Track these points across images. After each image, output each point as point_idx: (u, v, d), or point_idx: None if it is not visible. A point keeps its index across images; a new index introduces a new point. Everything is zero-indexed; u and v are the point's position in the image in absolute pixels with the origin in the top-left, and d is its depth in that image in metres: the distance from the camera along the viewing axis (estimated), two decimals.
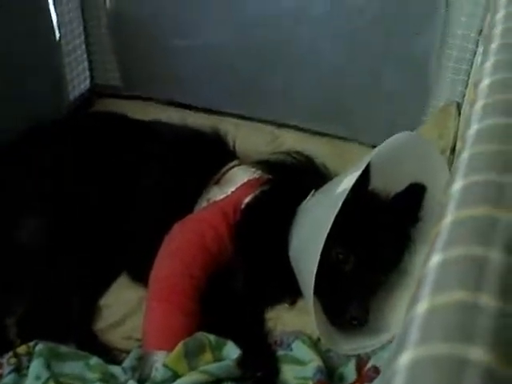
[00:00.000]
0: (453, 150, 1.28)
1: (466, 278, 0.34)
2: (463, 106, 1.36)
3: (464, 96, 1.40)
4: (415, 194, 1.14)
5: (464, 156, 0.44)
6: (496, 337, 0.32)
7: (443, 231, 0.38)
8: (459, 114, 1.38)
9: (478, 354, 0.31)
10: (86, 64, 1.66)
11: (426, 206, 1.13)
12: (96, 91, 1.71)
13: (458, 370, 0.30)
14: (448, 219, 0.39)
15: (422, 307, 0.34)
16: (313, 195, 1.16)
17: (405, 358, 0.32)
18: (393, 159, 1.09)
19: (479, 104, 0.51)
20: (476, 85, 0.56)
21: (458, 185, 0.41)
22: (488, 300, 0.33)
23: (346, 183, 1.03)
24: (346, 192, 0.99)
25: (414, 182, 1.14)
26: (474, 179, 0.41)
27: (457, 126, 1.33)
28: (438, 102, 1.46)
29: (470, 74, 1.38)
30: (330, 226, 0.96)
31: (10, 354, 1.02)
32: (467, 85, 1.39)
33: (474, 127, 0.47)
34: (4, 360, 1.01)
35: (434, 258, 0.36)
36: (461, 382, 0.30)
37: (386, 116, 1.52)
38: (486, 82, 0.56)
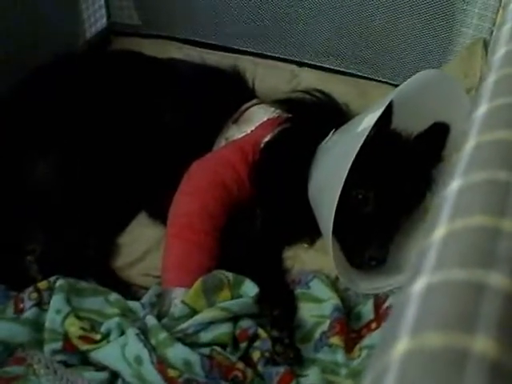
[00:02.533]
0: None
1: (488, 203, 0.33)
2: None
3: (492, 33, 1.35)
4: (438, 133, 1.11)
5: (490, 80, 0.42)
6: None
7: (465, 156, 0.36)
8: (487, 52, 1.33)
9: (497, 279, 0.29)
10: (102, 2, 1.63)
11: (449, 145, 1.11)
12: (113, 30, 1.68)
13: (475, 296, 0.29)
14: (470, 144, 0.37)
15: (439, 233, 0.32)
16: (333, 134, 1.13)
17: (419, 285, 0.31)
18: (416, 98, 1.06)
19: (507, 26, 0.48)
20: (505, 7, 0.53)
21: (482, 109, 0.39)
22: (510, 225, 0.31)
23: (367, 122, 1.01)
24: (367, 131, 0.97)
25: (438, 122, 1.11)
26: (499, 103, 0.39)
27: (483, 64, 1.29)
28: (465, 40, 1.41)
29: (498, 9, 1.32)
30: (349, 166, 0.94)
31: (32, 289, 1.03)
32: (495, 22, 1.33)
33: (502, 50, 0.44)
34: (25, 295, 1.02)
35: (454, 182, 0.35)
36: (478, 308, 0.29)
37: (410, 55, 1.48)
38: None
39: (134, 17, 1.67)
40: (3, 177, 1.16)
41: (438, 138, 1.11)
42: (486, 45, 1.34)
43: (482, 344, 0.27)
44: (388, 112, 1.03)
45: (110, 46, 1.63)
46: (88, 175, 1.19)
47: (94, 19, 1.61)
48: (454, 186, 0.35)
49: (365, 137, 0.95)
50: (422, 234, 0.36)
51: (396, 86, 1.09)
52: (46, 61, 1.29)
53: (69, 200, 1.18)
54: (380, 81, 1.53)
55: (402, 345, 0.28)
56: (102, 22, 1.65)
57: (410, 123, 1.12)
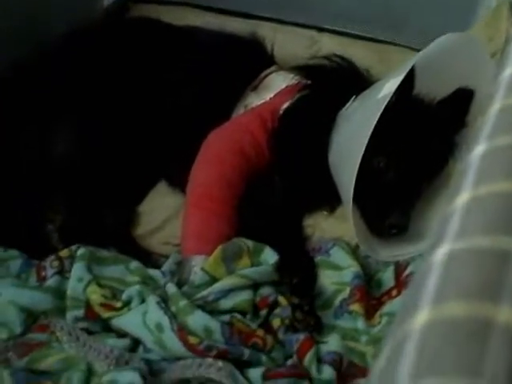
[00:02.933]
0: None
1: None
2: None
3: None
4: (462, 98, 1.09)
5: None
6: None
7: (490, 119, 0.35)
8: None
9: None
10: None
11: (473, 111, 1.08)
12: None
13: (499, 264, 0.28)
14: (495, 107, 0.35)
15: (462, 198, 0.31)
16: (354, 100, 1.12)
17: (440, 253, 0.30)
18: (440, 62, 1.03)
19: None
20: None
21: (509, 70, 0.37)
22: None
23: (388, 87, 0.99)
24: (389, 97, 0.95)
25: (462, 87, 1.08)
26: None
27: (509, 28, 1.25)
28: (490, 3, 1.37)
29: None
30: (370, 132, 0.92)
31: (53, 257, 1.04)
32: None
33: None
34: (47, 263, 1.03)
35: (478, 147, 0.33)
36: (503, 276, 0.28)
37: (433, 19, 1.44)
38: None
39: None
40: (24, 148, 1.16)
41: (461, 103, 1.09)
42: (511, 7, 1.30)
43: (507, 314, 0.26)
44: (410, 77, 1.01)
45: (128, 14, 1.61)
46: (107, 145, 1.19)
47: None
48: (478, 150, 0.33)
49: (386, 103, 0.93)
50: (445, 201, 0.35)
51: (418, 50, 1.06)
52: (62, 30, 1.28)
53: (88, 170, 1.18)
54: (402, 45, 1.50)
55: (423, 314, 0.28)
56: None
57: (434, 87, 1.09)
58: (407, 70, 0.97)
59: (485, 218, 0.30)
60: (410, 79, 1.01)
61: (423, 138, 1.08)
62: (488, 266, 0.28)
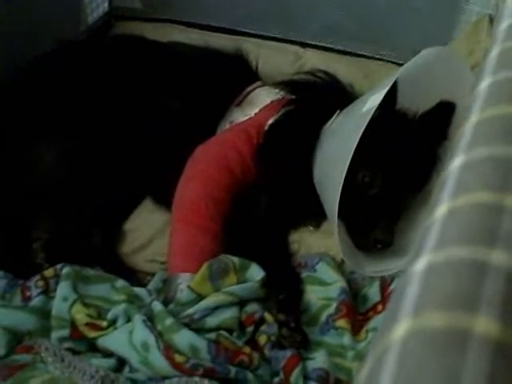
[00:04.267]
0: None
1: (491, 179, 0.31)
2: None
3: (497, 9, 1.33)
4: (444, 111, 1.10)
5: (493, 53, 0.41)
6: None
7: (467, 132, 0.35)
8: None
9: (500, 257, 0.28)
10: None
11: (454, 123, 1.09)
12: (115, 14, 1.67)
13: (478, 275, 0.28)
14: (472, 119, 0.36)
15: (441, 210, 0.32)
16: (338, 115, 1.12)
17: (420, 264, 0.30)
18: (421, 76, 1.05)
19: None
20: None
21: (485, 83, 0.38)
22: None
23: (372, 102, 0.99)
24: (372, 111, 0.95)
25: (443, 100, 1.09)
26: (503, 77, 0.37)
27: (489, 41, 1.26)
28: (470, 17, 1.38)
29: None
30: (355, 147, 0.93)
31: (38, 277, 1.03)
32: None
33: (505, 23, 0.43)
34: (32, 283, 1.02)
35: (456, 159, 0.34)
36: (481, 287, 0.28)
37: (415, 33, 1.46)
38: None
39: (135, 0, 1.65)
40: (9, 165, 1.16)
41: (443, 116, 1.10)
42: (491, 21, 1.32)
43: (485, 324, 0.26)
44: (393, 91, 1.01)
45: (112, 31, 1.62)
46: (92, 162, 1.18)
47: (96, 4, 1.59)
48: (456, 162, 0.34)
49: (370, 117, 0.94)
50: (425, 213, 0.35)
51: (401, 65, 1.07)
52: (47, 47, 1.28)
53: (74, 187, 1.17)
54: (385, 60, 1.51)
55: (403, 325, 0.27)
56: (104, 7, 1.63)
57: (416, 102, 1.10)
58: (390, 84, 0.97)
59: (462, 229, 0.30)
60: (392, 93, 1.02)
61: (407, 152, 1.09)
62: (465, 277, 0.28)
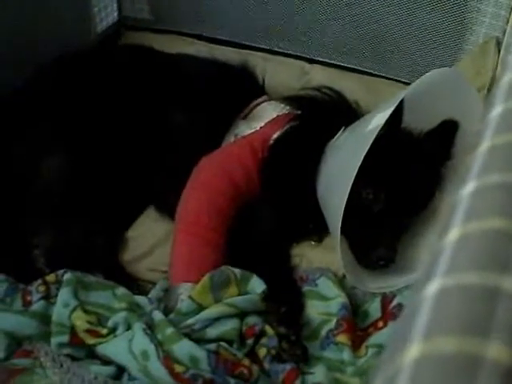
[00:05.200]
0: (490, 88, 1.24)
1: (503, 206, 0.32)
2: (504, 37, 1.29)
3: (505, 32, 1.34)
4: (448, 130, 1.10)
5: (505, 80, 0.42)
6: None
7: (479, 158, 0.36)
8: (499, 51, 1.32)
9: None
10: None
11: (458, 143, 1.10)
12: (124, 24, 1.68)
13: (489, 301, 0.29)
14: (485, 145, 0.36)
15: (452, 235, 0.32)
16: (343, 132, 1.13)
17: (432, 288, 0.31)
18: (427, 96, 1.05)
19: None
20: None
21: (497, 110, 0.39)
22: None
23: (377, 120, 1.00)
24: (378, 129, 0.96)
25: (447, 119, 1.10)
26: None
27: (495, 63, 1.28)
28: (477, 39, 1.40)
29: (511, 9, 1.31)
30: (359, 164, 0.93)
31: (39, 281, 1.03)
32: (508, 21, 1.32)
33: None
34: (33, 288, 1.03)
35: (468, 185, 0.34)
36: (493, 312, 0.28)
37: (422, 53, 1.47)
38: None
39: (145, 11, 1.66)
40: (11, 172, 1.16)
41: (447, 135, 1.11)
42: (498, 43, 1.33)
43: (496, 350, 0.26)
44: (399, 110, 1.02)
45: (121, 41, 1.63)
46: (96, 169, 1.19)
47: (105, 13, 1.60)
48: (467, 188, 0.34)
49: (375, 135, 0.94)
50: (435, 236, 0.35)
51: (407, 84, 1.09)
52: (55, 56, 1.29)
53: (76, 194, 1.18)
54: (391, 79, 1.52)
55: (414, 349, 0.28)
56: (113, 17, 1.64)
57: (421, 121, 1.11)
58: (396, 103, 0.98)
59: (474, 255, 0.31)
60: (398, 112, 1.03)
61: (411, 171, 1.09)
62: (477, 303, 0.29)
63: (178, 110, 1.25)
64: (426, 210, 1.12)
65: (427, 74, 1.01)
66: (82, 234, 1.17)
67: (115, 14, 1.65)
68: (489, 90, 1.23)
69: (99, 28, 1.59)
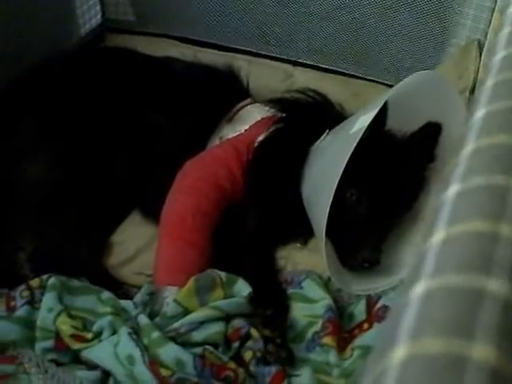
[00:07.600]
0: (472, 90, 1.25)
1: (486, 208, 0.33)
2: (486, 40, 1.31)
3: (486, 35, 1.35)
4: (431, 132, 1.11)
5: (488, 84, 0.42)
6: None
7: (462, 161, 0.36)
8: (481, 54, 1.33)
9: (496, 285, 0.29)
10: None
11: (441, 145, 1.11)
12: (108, 26, 1.67)
13: (474, 302, 0.29)
14: (468, 148, 0.37)
15: (438, 237, 0.32)
16: (327, 135, 1.14)
17: (418, 290, 0.31)
18: (410, 99, 1.06)
19: (506, 31, 0.48)
20: (503, 11, 0.53)
21: (480, 113, 0.39)
22: (509, 230, 0.31)
23: (361, 122, 1.01)
24: (362, 131, 0.96)
25: (430, 121, 1.11)
26: (498, 107, 0.39)
27: (477, 66, 1.29)
28: (459, 41, 1.41)
29: (493, 11, 1.32)
30: (343, 166, 0.94)
31: (23, 287, 1.03)
32: (490, 23, 1.33)
33: (500, 54, 0.44)
34: (17, 293, 1.02)
35: (451, 188, 0.35)
36: (477, 314, 0.29)
37: (404, 55, 1.48)
38: None
39: (128, 13, 1.66)
40: None
41: (430, 137, 1.12)
42: (480, 46, 1.34)
43: (481, 350, 0.27)
44: (382, 113, 1.03)
45: (105, 43, 1.62)
46: (80, 173, 1.18)
47: (89, 16, 1.59)
48: (452, 190, 0.35)
49: (359, 138, 0.95)
50: (420, 238, 0.36)
51: (390, 86, 1.10)
52: (39, 58, 1.28)
53: (60, 198, 1.17)
54: (374, 81, 1.53)
55: (401, 349, 0.28)
56: (97, 19, 1.64)
57: (404, 124, 1.12)
58: (379, 106, 0.99)
59: (459, 257, 0.31)
60: (382, 115, 1.03)
61: (395, 173, 1.10)
62: (462, 304, 0.29)
63: (162, 112, 1.25)
64: (410, 212, 1.13)
65: (410, 76, 1.02)
66: (66, 237, 1.17)
67: (99, 16, 1.64)
68: (471, 93, 1.24)
69: (83, 31, 1.58)
